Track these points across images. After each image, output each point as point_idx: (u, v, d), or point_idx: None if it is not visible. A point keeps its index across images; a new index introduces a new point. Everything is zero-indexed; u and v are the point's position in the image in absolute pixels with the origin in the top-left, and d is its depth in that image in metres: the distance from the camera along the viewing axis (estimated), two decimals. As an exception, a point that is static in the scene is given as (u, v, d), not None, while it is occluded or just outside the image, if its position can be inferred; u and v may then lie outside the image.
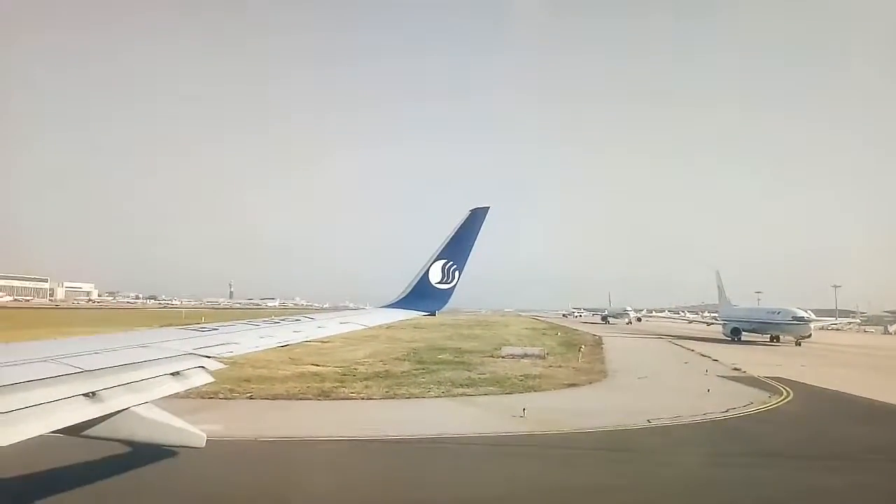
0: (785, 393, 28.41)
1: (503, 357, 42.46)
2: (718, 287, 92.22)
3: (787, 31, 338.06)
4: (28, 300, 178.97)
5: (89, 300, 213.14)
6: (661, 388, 30.85)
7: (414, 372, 33.00)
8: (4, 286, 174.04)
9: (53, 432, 4.41)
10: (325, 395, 25.09)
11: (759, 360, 46.52)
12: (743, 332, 72.91)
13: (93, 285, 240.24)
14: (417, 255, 16.01)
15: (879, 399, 27.60)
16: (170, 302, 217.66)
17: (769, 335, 71.03)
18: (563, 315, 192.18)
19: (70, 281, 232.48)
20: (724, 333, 76.06)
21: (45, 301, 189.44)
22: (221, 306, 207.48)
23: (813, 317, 71.14)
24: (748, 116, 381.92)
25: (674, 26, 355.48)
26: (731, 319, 78.04)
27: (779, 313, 68.82)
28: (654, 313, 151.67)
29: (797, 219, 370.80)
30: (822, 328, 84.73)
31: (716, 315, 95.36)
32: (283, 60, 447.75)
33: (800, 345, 65.21)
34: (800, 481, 15.14)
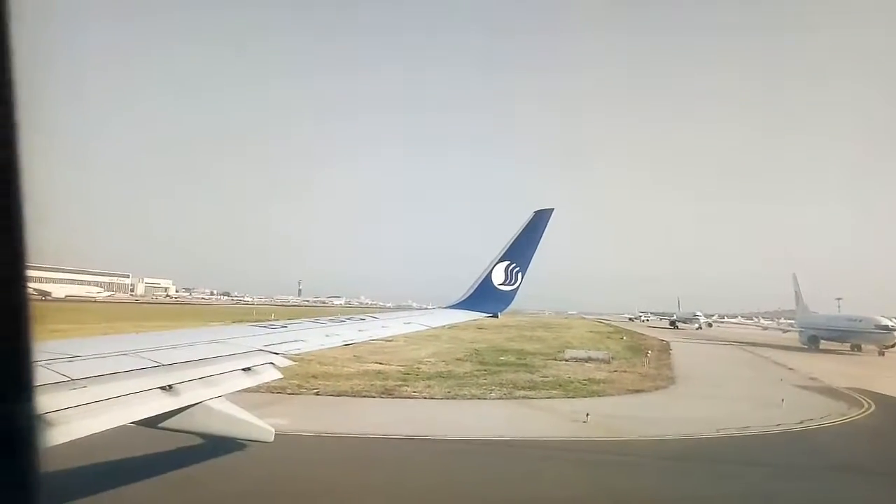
0: (866, 405, 26.83)
1: (566, 360, 41.76)
2: (795, 292, 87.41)
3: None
4: (111, 295, 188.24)
5: (167, 295, 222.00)
6: (731, 396, 29.59)
7: (475, 373, 32.95)
8: (91, 281, 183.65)
9: (131, 423, 4.65)
10: (388, 393, 25.48)
11: (838, 369, 43.92)
12: (821, 341, 69.23)
13: (171, 281, 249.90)
14: (483, 257, 16.10)
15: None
16: (242, 298, 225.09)
17: (850, 344, 67.33)
18: (630, 319, 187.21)
19: (150, 276, 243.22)
20: (800, 341, 72.31)
21: (127, 296, 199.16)
22: (290, 303, 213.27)
23: None
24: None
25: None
26: (809, 327, 74.01)
27: (861, 321, 64.86)
28: (725, 319, 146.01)
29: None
30: None
31: (792, 322, 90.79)
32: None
33: (883, 355, 61.34)
34: (878, 500, 14.35)
